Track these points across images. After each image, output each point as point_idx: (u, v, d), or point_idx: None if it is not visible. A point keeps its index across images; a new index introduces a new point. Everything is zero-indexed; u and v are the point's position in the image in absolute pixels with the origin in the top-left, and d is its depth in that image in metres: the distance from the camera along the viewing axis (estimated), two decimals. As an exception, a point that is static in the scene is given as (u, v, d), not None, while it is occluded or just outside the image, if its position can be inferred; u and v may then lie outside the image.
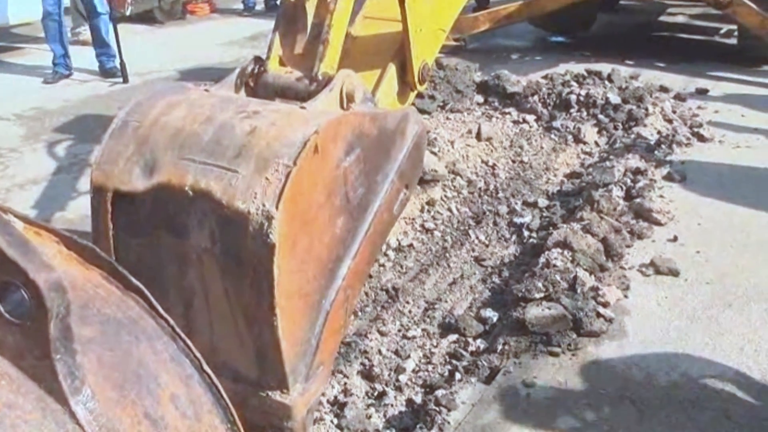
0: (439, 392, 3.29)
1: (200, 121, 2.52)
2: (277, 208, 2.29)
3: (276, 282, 2.33)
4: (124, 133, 2.57)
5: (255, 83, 3.01)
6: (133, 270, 2.57)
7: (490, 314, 3.94)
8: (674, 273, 4.25)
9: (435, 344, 3.82)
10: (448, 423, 3.10)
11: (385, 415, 3.34)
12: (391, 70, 3.45)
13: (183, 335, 1.28)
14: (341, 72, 2.88)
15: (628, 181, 5.28)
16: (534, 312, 3.67)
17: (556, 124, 6.38)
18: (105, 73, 8.42)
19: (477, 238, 4.84)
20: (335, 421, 3.27)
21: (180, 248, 2.50)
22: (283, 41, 3.07)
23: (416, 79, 3.55)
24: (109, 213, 2.57)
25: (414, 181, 3.19)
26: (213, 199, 2.36)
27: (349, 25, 3.26)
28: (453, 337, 3.84)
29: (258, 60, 3.04)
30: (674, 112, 6.73)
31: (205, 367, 1.28)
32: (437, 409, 3.16)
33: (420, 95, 6.19)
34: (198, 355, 1.28)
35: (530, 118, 6.54)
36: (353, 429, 3.23)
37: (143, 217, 2.54)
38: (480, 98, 6.85)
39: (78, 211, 5.18)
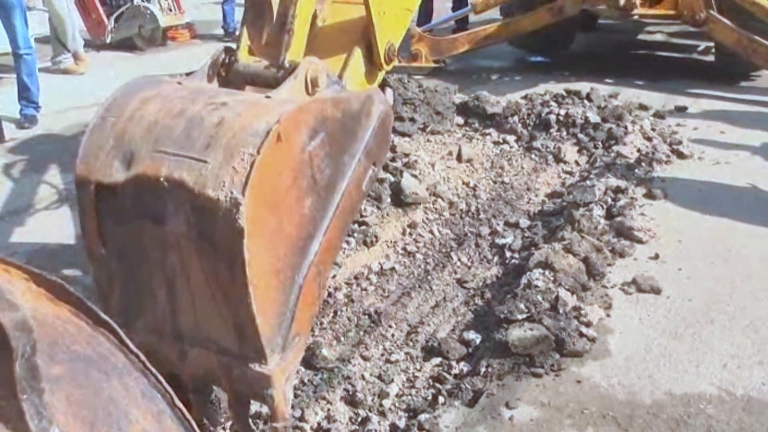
0: (423, 417, 3.28)
1: (172, 114, 2.69)
2: (243, 194, 2.46)
3: (247, 262, 2.51)
4: (103, 128, 2.76)
5: (226, 72, 3.16)
6: (120, 255, 2.82)
7: (473, 336, 3.94)
8: (656, 291, 4.26)
9: (418, 368, 3.81)
10: (432, 448, 3.10)
11: (369, 441, 3.33)
12: (357, 52, 3.55)
13: (154, 370, 1.27)
14: (305, 60, 3.01)
15: (609, 199, 5.30)
16: (516, 333, 3.66)
17: (537, 144, 6.41)
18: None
19: (459, 260, 4.84)
20: (319, 448, 3.25)
21: (160, 234, 2.67)
22: (251, 32, 3.19)
23: (382, 60, 3.65)
24: (93, 204, 2.76)
25: (381, 157, 3.34)
26: (186, 189, 2.53)
27: (317, 10, 3.43)
28: (436, 360, 3.84)
29: (228, 50, 3.18)
30: (654, 129, 6.77)
31: (177, 402, 1.27)
32: (421, 434, 3.16)
33: (400, 118, 6.23)
34: (170, 390, 1.27)
35: (510, 138, 6.57)
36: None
37: (125, 207, 2.71)
38: (460, 120, 6.87)
39: (60, 241, 5.15)
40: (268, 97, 2.81)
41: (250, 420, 3.13)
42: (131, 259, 2.88)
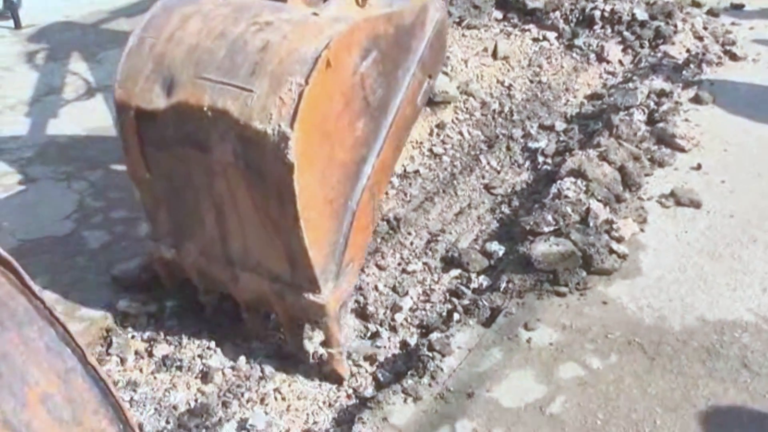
0: (434, 335, 3.08)
1: (214, 36, 2.60)
2: (292, 128, 2.37)
3: (298, 196, 2.47)
4: (142, 50, 2.69)
5: None
6: (165, 179, 2.77)
7: (496, 248, 3.71)
8: (696, 204, 3.97)
9: (436, 280, 3.61)
10: (442, 370, 2.89)
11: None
12: None
13: (62, 319, 1.05)
14: None
15: (652, 103, 4.95)
16: (541, 248, 3.42)
17: (578, 41, 6.01)
18: None
19: (488, 163, 4.58)
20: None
21: (206, 161, 2.64)
22: None
23: None
24: (134, 129, 2.74)
25: (437, 69, 3.26)
26: (231, 119, 2.47)
27: None
28: (455, 272, 3.63)
29: None
30: (705, 28, 6.30)
31: (90, 358, 1.06)
32: (430, 354, 2.95)
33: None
34: (81, 344, 1.05)
35: (551, 35, 6.16)
36: (363, 353, 3.16)
37: (167, 133, 2.68)
38: (499, 14, 6.45)
39: (73, 133, 4.97)
40: (315, 14, 2.66)
41: (304, 341, 3.08)
42: (177, 184, 2.82)
